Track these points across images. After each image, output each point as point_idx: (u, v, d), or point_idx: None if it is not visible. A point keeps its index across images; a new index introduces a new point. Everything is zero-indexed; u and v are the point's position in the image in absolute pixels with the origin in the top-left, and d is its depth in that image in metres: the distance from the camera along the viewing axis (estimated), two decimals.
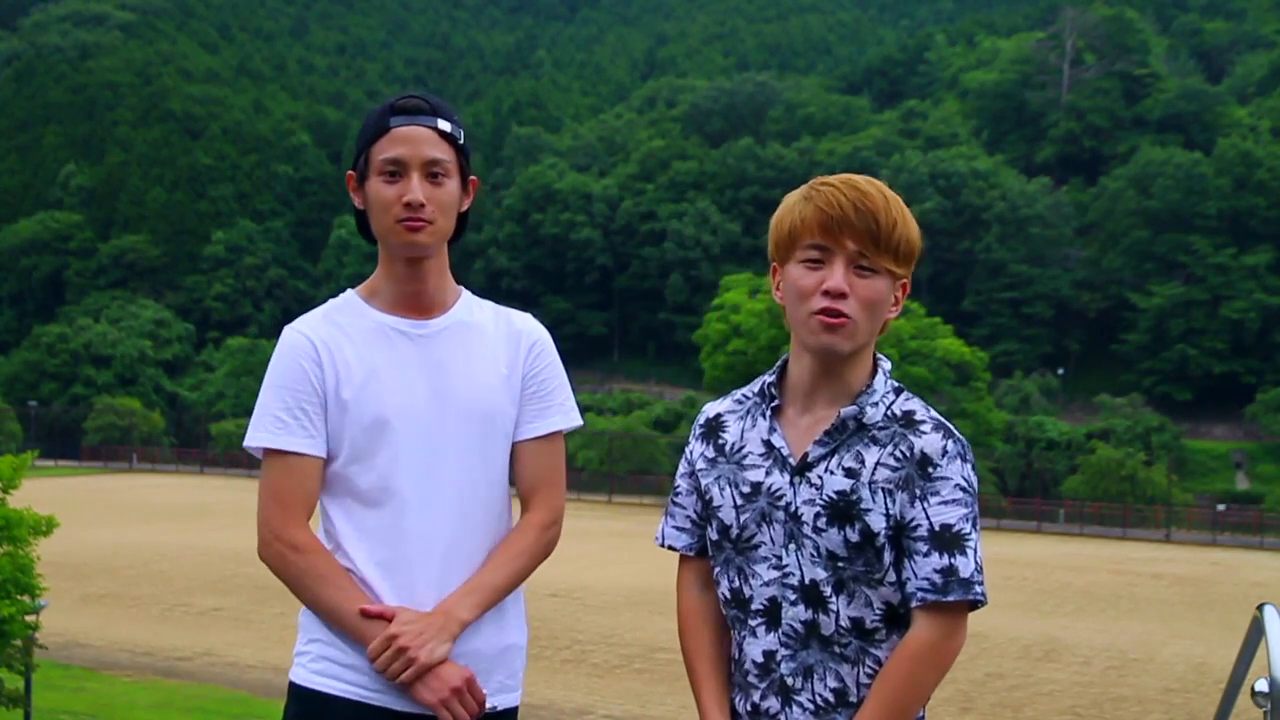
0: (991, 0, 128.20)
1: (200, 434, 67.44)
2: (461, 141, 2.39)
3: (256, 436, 2.34)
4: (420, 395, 2.36)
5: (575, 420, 2.52)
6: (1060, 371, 71.08)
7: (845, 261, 2.07)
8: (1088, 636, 22.90)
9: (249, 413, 2.40)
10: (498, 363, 2.45)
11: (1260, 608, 2.35)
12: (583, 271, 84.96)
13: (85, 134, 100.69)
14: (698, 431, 2.27)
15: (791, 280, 2.11)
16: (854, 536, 2.06)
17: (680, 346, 76.22)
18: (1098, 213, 77.49)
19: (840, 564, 2.07)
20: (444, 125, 2.36)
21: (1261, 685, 2.23)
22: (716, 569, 2.20)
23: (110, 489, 48.71)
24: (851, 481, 2.07)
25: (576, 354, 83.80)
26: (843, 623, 2.08)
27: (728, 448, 2.20)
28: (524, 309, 2.64)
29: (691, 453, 2.26)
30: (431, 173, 2.34)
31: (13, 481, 13.06)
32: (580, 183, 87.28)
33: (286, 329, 2.41)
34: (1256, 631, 2.36)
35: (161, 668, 18.91)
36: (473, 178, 2.44)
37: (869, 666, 2.09)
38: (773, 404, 2.18)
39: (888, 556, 2.06)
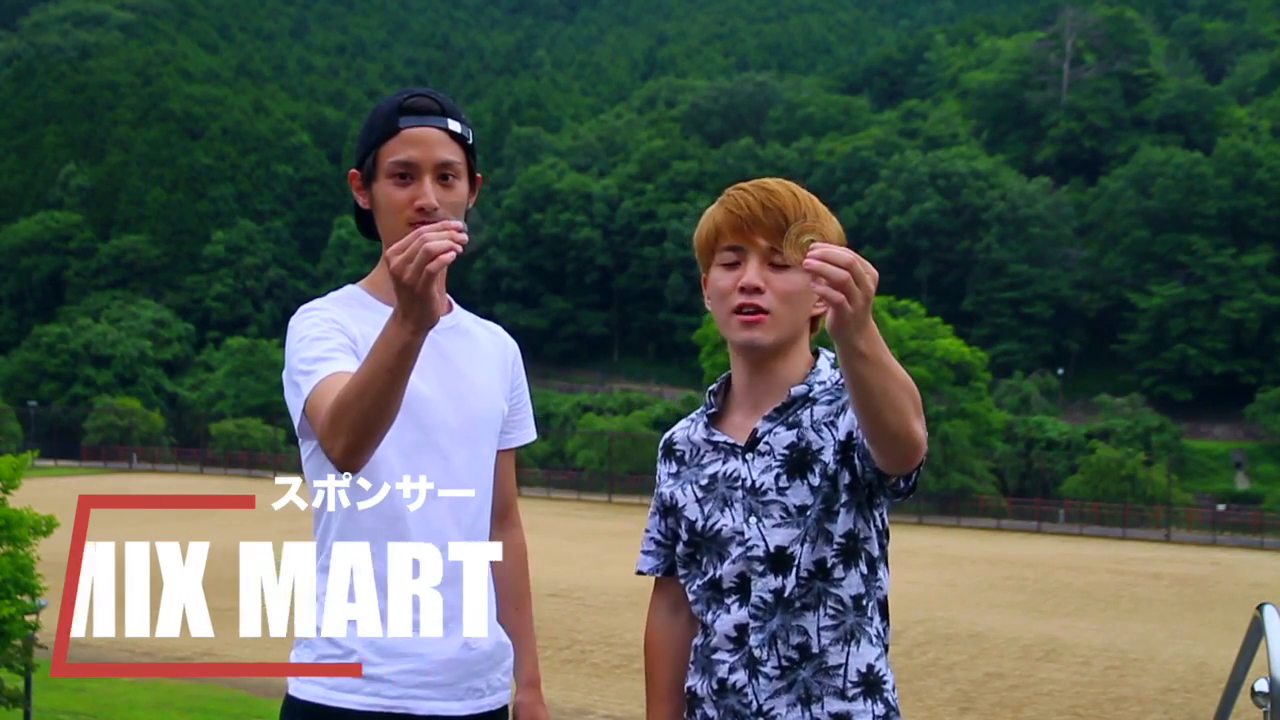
0: (991, 0, 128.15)
1: (200, 434, 67.35)
2: (470, 141, 2.36)
3: (309, 382, 2.17)
4: (436, 390, 2.33)
5: (535, 434, 2.61)
6: (1060, 371, 71.01)
7: (759, 259, 2.16)
8: (1088, 636, 22.90)
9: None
10: (495, 370, 2.47)
11: (1260, 608, 2.35)
12: (583, 271, 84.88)
13: (85, 134, 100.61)
14: (660, 455, 2.38)
15: (712, 283, 2.23)
16: (816, 480, 2.14)
17: (680, 346, 76.15)
18: (1098, 213, 77.44)
19: (808, 513, 2.13)
20: (454, 126, 2.32)
21: (1261, 685, 2.23)
22: (690, 574, 2.25)
23: (110, 489, 48.71)
24: (796, 430, 2.17)
25: (576, 354, 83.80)
26: (803, 572, 2.13)
27: (686, 456, 2.31)
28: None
29: (659, 476, 2.36)
30: (442, 174, 2.31)
31: (13, 481, 13.07)
32: (580, 183, 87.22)
33: (299, 310, 2.34)
34: (1256, 631, 2.36)
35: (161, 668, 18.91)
36: (478, 175, 2.42)
37: (830, 608, 2.14)
38: (710, 410, 2.29)
39: (844, 479, 2.14)
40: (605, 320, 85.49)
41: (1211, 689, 18.19)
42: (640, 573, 2.36)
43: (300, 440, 2.33)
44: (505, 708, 2.46)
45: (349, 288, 2.43)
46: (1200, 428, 65.94)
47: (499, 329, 2.57)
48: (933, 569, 32.17)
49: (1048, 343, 74.45)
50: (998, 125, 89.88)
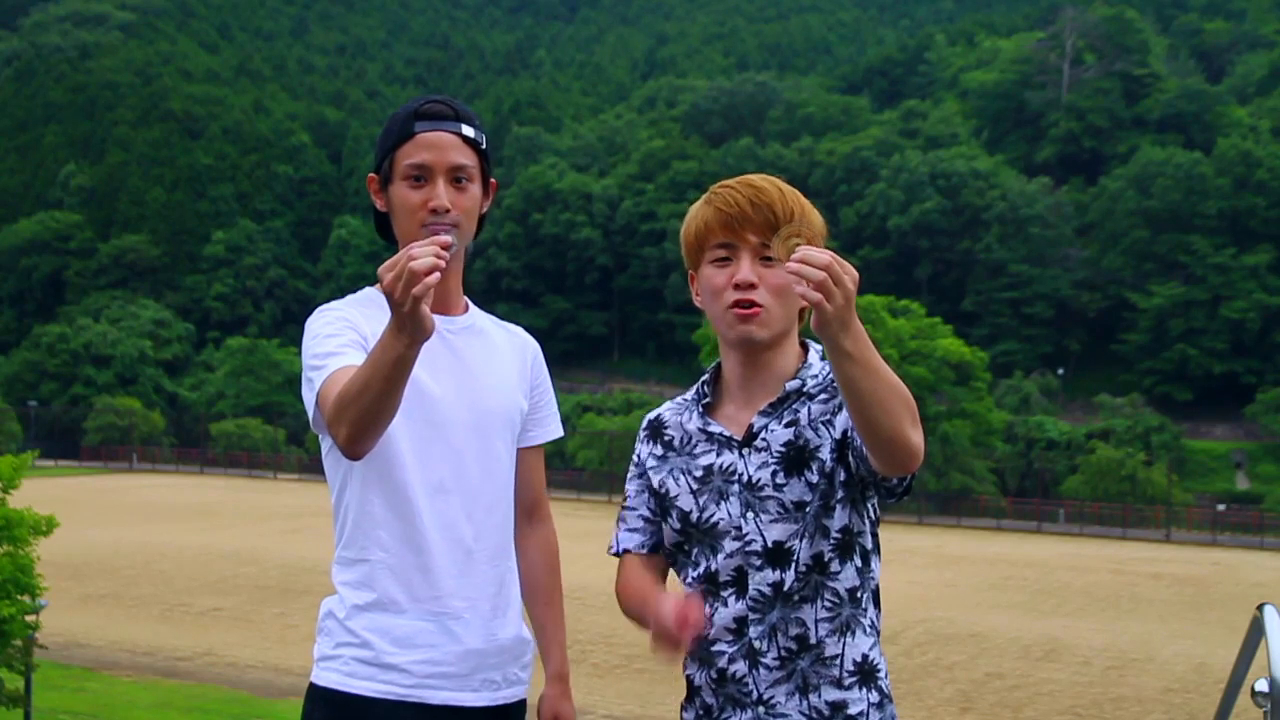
0: (991, 0, 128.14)
1: (200, 434, 67.36)
2: (484, 146, 2.43)
3: (321, 376, 2.23)
4: (448, 388, 2.38)
5: (561, 431, 2.65)
6: (1060, 371, 71.03)
7: (750, 254, 2.19)
8: (1088, 636, 22.89)
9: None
10: (512, 369, 2.52)
11: (1260, 608, 2.35)
12: (583, 271, 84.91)
13: (85, 134, 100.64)
14: (643, 435, 2.37)
15: (705, 280, 2.24)
16: (814, 477, 2.17)
17: (680, 346, 76.18)
18: (1098, 213, 77.45)
19: (806, 509, 2.16)
20: (468, 130, 2.39)
21: (1261, 685, 2.23)
22: (679, 563, 2.28)
23: (110, 489, 48.69)
24: (793, 428, 2.19)
25: (576, 354, 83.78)
26: (802, 566, 2.16)
27: (675, 442, 2.30)
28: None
29: (640, 455, 2.36)
30: (456, 177, 2.37)
31: (13, 481, 13.06)
32: (580, 183, 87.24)
33: (315, 311, 2.41)
34: (1256, 631, 2.36)
35: (161, 668, 18.91)
36: (492, 180, 2.48)
37: (827, 600, 2.17)
38: (704, 400, 2.30)
39: (840, 476, 2.17)
40: (605, 320, 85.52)
41: (1211, 689, 18.19)
42: (626, 550, 2.35)
43: (320, 436, 2.38)
44: (523, 701, 2.49)
45: (367, 289, 2.48)
46: (1200, 428, 65.95)
47: (519, 330, 2.63)
48: (933, 569, 32.16)
49: (1048, 343, 74.45)
50: (998, 125, 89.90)
